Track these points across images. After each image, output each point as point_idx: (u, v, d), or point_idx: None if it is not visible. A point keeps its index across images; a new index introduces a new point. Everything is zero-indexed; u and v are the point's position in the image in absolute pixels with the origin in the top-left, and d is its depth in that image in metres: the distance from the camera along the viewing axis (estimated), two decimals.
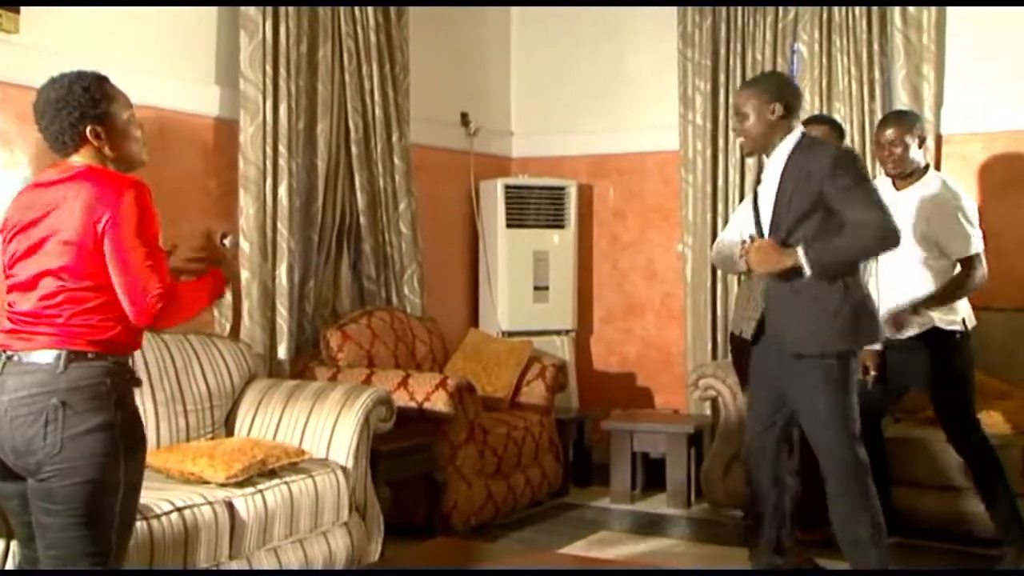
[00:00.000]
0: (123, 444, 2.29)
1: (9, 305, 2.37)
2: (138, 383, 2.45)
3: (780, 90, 3.25)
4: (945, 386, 3.86)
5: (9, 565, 2.63)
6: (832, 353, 3.18)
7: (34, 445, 2.22)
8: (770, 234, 3.25)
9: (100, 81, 2.39)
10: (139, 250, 2.27)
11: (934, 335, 3.84)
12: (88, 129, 2.34)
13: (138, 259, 2.27)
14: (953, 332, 3.81)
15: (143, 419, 2.47)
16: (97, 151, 2.37)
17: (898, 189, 3.93)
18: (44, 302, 2.29)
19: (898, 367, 3.95)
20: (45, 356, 2.26)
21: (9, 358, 2.28)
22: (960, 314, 3.83)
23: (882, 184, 4.06)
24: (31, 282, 2.31)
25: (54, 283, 2.28)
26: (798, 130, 3.26)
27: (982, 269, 3.78)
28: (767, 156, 3.30)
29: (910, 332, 3.80)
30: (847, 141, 4.93)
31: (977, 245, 3.78)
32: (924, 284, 3.82)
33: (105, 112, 2.37)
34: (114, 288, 2.29)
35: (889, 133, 3.85)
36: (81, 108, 2.33)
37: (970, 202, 3.84)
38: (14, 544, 2.59)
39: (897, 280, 3.89)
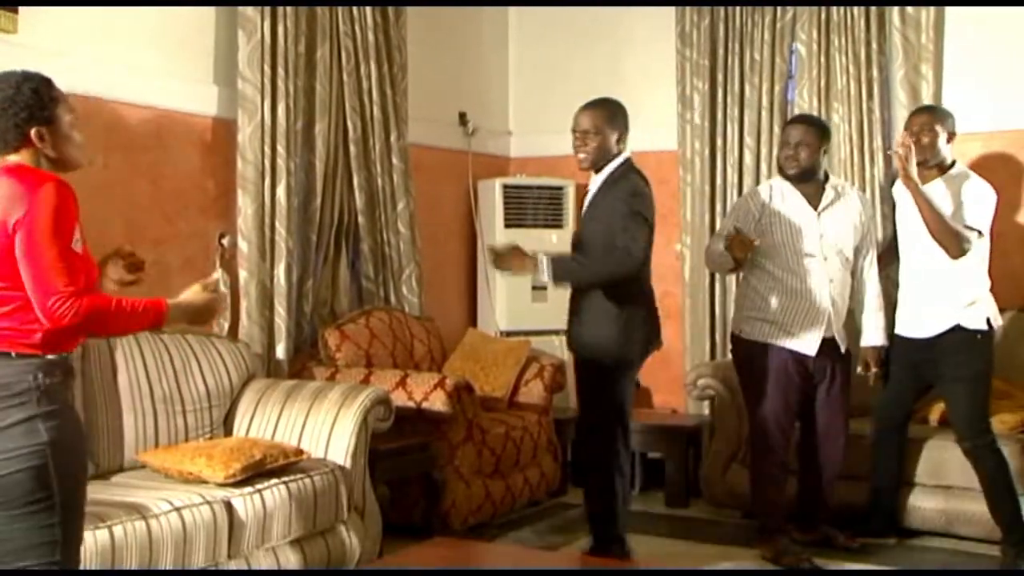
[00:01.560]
0: (49, 436, 2.28)
1: None
2: (71, 377, 2.42)
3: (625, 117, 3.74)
4: (961, 385, 3.85)
5: None
6: (600, 352, 3.63)
7: None
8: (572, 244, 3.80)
9: (48, 83, 2.39)
10: (50, 250, 2.24)
11: (956, 333, 3.83)
12: (33, 130, 2.33)
13: (47, 259, 2.24)
14: (976, 331, 3.80)
15: (144, 419, 2.46)
16: (36, 152, 2.36)
17: (922, 182, 3.91)
18: None
19: (921, 366, 3.95)
20: None
21: None
22: (984, 313, 3.83)
23: (899, 185, 4.05)
24: None
25: None
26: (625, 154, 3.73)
27: (970, 242, 3.77)
28: (595, 173, 3.76)
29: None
30: (845, 140, 4.95)
31: (980, 223, 3.79)
32: (950, 278, 3.81)
33: (52, 115, 2.36)
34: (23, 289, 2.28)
35: (921, 119, 3.91)
36: (29, 109, 2.32)
37: (992, 192, 3.84)
38: None
39: (921, 275, 3.89)
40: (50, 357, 2.33)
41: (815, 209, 3.97)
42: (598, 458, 3.75)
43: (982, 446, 3.84)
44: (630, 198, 3.60)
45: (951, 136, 3.91)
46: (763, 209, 3.98)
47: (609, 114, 3.71)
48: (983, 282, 3.90)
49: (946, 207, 3.80)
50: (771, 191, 4.04)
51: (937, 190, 3.86)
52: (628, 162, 3.76)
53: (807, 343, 3.93)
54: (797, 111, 5.09)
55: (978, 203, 3.81)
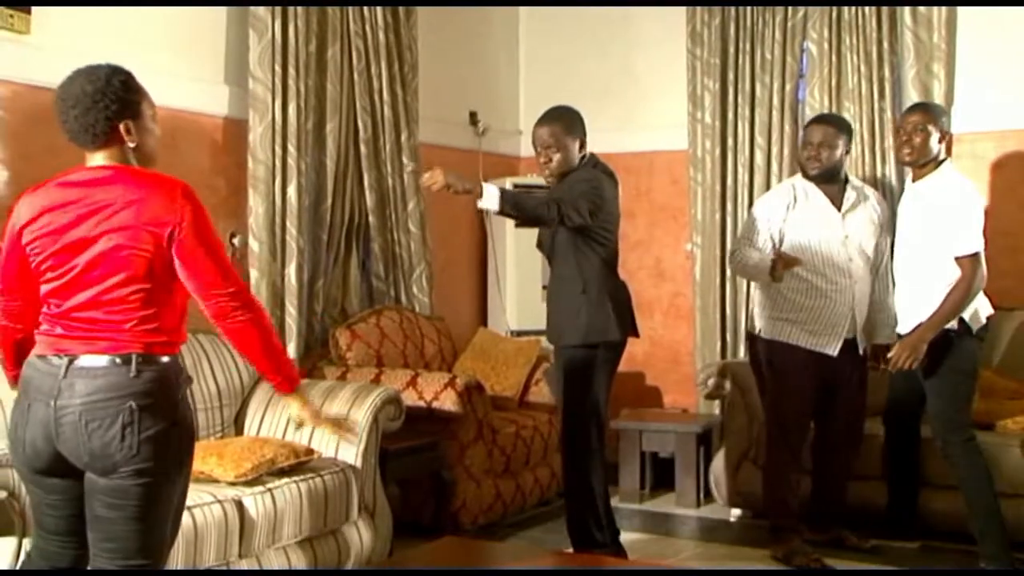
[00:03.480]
0: (184, 444, 2.35)
1: (52, 305, 2.34)
2: (190, 381, 2.47)
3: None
4: (933, 382, 3.83)
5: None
6: (570, 345, 3.66)
7: (111, 448, 2.24)
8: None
9: (133, 77, 2.40)
10: (210, 253, 2.32)
11: None
12: (122, 124, 2.34)
13: (220, 257, 2.34)
14: (947, 330, 3.78)
15: None
16: (122, 147, 2.36)
17: (914, 180, 3.92)
18: (103, 307, 2.28)
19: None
20: (114, 360, 2.27)
21: (71, 361, 2.27)
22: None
23: (906, 187, 4.04)
24: (73, 285, 2.30)
25: (113, 287, 2.28)
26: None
27: (981, 269, 3.73)
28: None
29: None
30: (856, 140, 4.93)
31: (975, 245, 3.73)
32: (937, 276, 3.79)
33: (140, 108, 2.38)
34: (169, 291, 2.32)
35: (913, 119, 3.87)
36: (120, 102, 2.33)
37: (977, 201, 3.80)
38: (26, 542, 2.60)
39: (911, 272, 3.87)
40: (176, 358, 2.36)
41: (839, 210, 3.96)
42: (573, 458, 3.75)
43: (954, 443, 3.80)
44: (575, 181, 3.63)
45: (944, 135, 3.86)
46: (788, 210, 3.95)
47: (566, 124, 3.70)
48: (950, 286, 3.78)
49: (935, 206, 3.78)
50: (794, 191, 3.99)
51: (927, 188, 3.84)
52: (588, 158, 3.75)
53: (830, 344, 3.91)
54: (808, 110, 5.08)
55: (967, 227, 3.73)
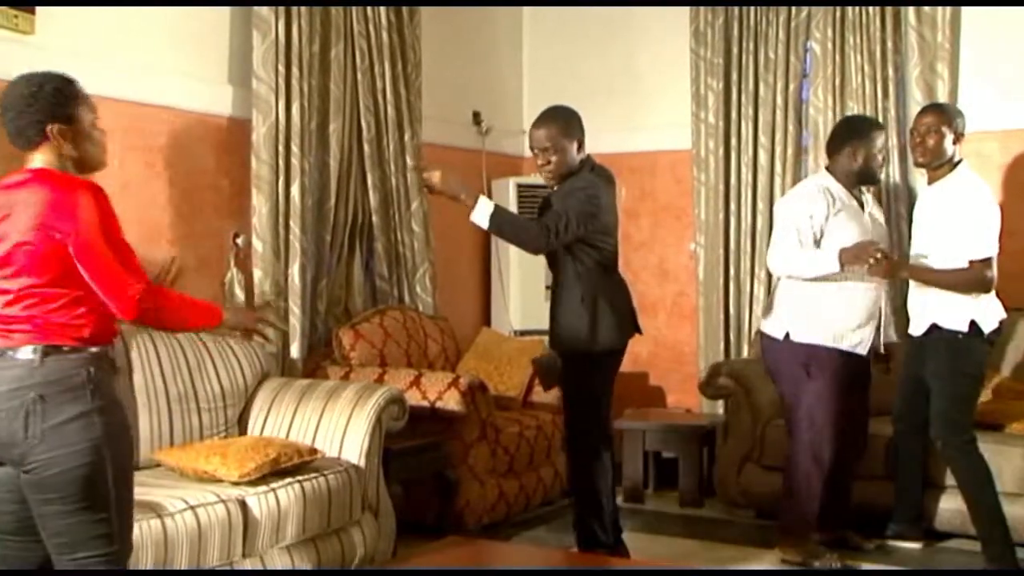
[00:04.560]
0: (104, 430, 2.35)
1: None
2: (116, 371, 2.49)
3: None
4: (937, 383, 3.82)
5: None
6: (572, 351, 3.68)
7: (16, 437, 2.30)
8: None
9: (69, 82, 2.45)
10: (108, 254, 2.34)
11: (934, 332, 3.81)
12: (52, 128, 2.39)
13: (109, 263, 2.34)
14: (955, 332, 3.77)
15: (159, 418, 2.51)
16: (57, 150, 2.42)
17: (929, 183, 3.90)
18: (19, 303, 2.35)
19: (919, 364, 3.93)
20: (23, 352, 2.34)
21: None
22: (967, 315, 3.77)
23: (920, 190, 4.01)
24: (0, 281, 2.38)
25: (21, 284, 2.35)
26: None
27: (991, 272, 3.73)
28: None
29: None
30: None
31: (988, 250, 3.73)
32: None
33: (71, 114, 2.42)
34: (82, 283, 2.36)
35: (927, 120, 3.84)
36: (49, 107, 2.39)
37: (993, 205, 3.78)
38: None
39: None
40: (96, 350, 2.40)
41: (862, 210, 3.96)
42: (577, 459, 3.75)
43: (954, 446, 3.80)
44: (570, 191, 3.62)
45: (958, 137, 3.83)
46: (829, 210, 3.85)
47: (563, 126, 3.67)
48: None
49: (950, 209, 3.77)
50: (827, 192, 3.88)
51: (942, 191, 3.82)
52: (585, 160, 3.74)
53: (863, 344, 3.90)
54: (812, 110, 5.08)
55: (984, 229, 3.72)
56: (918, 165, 3.97)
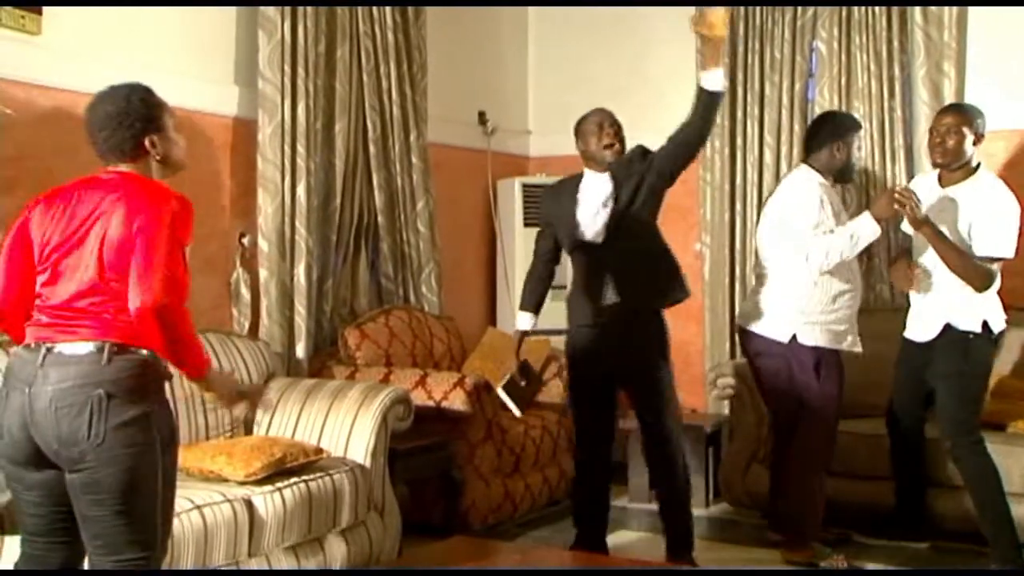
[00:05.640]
0: (159, 435, 2.37)
1: (42, 298, 2.42)
2: (169, 376, 2.50)
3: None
4: (946, 383, 3.81)
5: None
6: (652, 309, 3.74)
7: (78, 435, 2.29)
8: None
9: (151, 92, 2.51)
10: (162, 248, 2.33)
11: (947, 333, 3.80)
12: (147, 140, 2.46)
13: (159, 256, 2.32)
14: (967, 332, 3.76)
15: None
16: (148, 158, 2.48)
17: (943, 185, 3.85)
18: (88, 298, 2.36)
19: (922, 369, 3.92)
20: (87, 348, 2.33)
21: (49, 350, 2.34)
22: (980, 315, 3.77)
23: (923, 182, 4.00)
24: (71, 276, 2.38)
25: (98, 280, 2.35)
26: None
27: (996, 270, 3.72)
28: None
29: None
30: (866, 139, 4.91)
31: (1003, 251, 3.71)
32: (944, 282, 3.77)
33: (162, 123, 2.49)
34: None
35: (947, 120, 3.79)
36: (143, 120, 2.45)
37: (1015, 206, 3.74)
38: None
39: (935, 279, 3.84)
40: (154, 353, 2.40)
41: (846, 211, 3.97)
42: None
43: (963, 446, 3.79)
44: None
45: (978, 138, 3.79)
46: (831, 197, 3.90)
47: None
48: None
49: (968, 213, 3.74)
50: (823, 189, 3.89)
51: (961, 194, 3.79)
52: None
53: (855, 344, 3.94)
54: (818, 109, 5.06)
55: (1004, 227, 3.69)
56: (936, 166, 3.88)
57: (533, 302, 3.93)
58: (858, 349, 3.94)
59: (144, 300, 2.30)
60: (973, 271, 3.70)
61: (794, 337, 3.87)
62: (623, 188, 3.68)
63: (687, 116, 3.64)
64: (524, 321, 3.94)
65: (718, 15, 3.50)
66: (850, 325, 3.91)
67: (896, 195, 3.69)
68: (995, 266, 3.73)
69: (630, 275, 3.67)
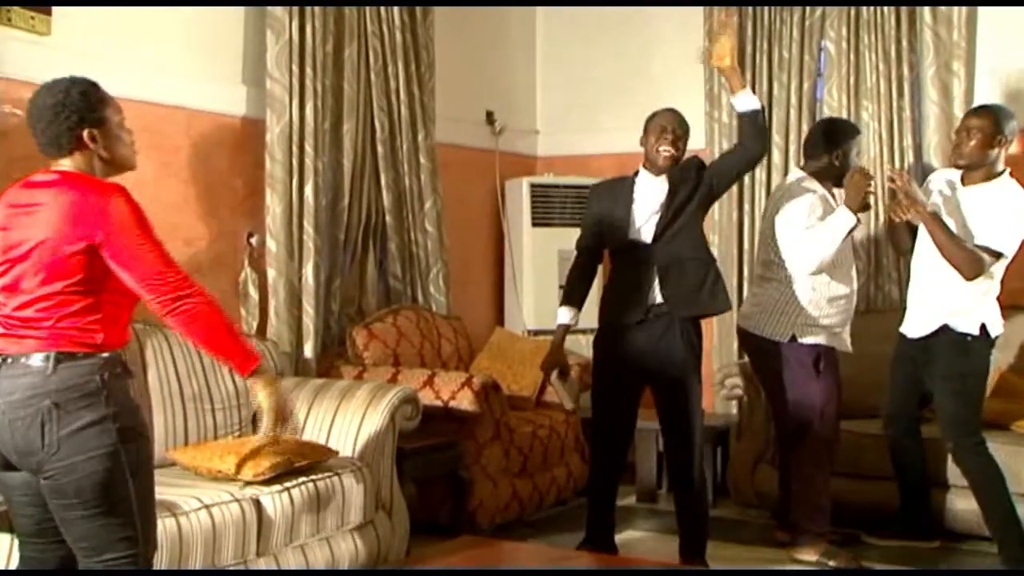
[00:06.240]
0: (119, 435, 2.34)
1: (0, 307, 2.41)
2: (130, 375, 2.47)
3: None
4: (945, 384, 3.81)
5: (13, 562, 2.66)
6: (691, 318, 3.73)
7: (33, 446, 2.30)
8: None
9: (95, 86, 2.46)
10: (146, 246, 2.35)
11: (944, 334, 3.79)
12: (85, 132, 2.41)
13: (153, 255, 2.35)
14: (965, 334, 3.76)
15: (173, 417, 2.51)
16: (90, 155, 2.43)
17: (964, 184, 3.83)
18: (32, 306, 2.35)
19: (918, 366, 3.92)
20: (35, 359, 2.32)
21: (4, 360, 2.34)
22: (978, 318, 3.76)
23: (943, 176, 3.97)
24: (14, 285, 2.37)
25: (38, 287, 2.34)
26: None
27: (990, 261, 3.68)
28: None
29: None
30: (875, 139, 4.91)
31: (1000, 246, 3.68)
32: (943, 282, 3.76)
33: (101, 116, 2.43)
34: (99, 290, 2.35)
35: (972, 122, 3.77)
36: (79, 112, 2.40)
37: (1019, 219, 3.70)
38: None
39: (939, 277, 3.82)
40: (108, 355, 2.38)
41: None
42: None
43: (965, 447, 3.79)
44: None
45: (1005, 142, 3.74)
46: (825, 201, 3.91)
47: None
48: (981, 290, 3.76)
49: (980, 216, 3.73)
50: (814, 195, 3.91)
51: (979, 195, 3.77)
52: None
53: (849, 343, 3.99)
54: (826, 109, 5.06)
55: (1007, 223, 3.68)
56: (956, 167, 3.87)
57: (577, 298, 3.88)
58: (849, 349, 3.98)
59: (158, 310, 2.35)
60: (964, 256, 3.66)
61: (793, 337, 3.90)
62: (679, 193, 3.70)
63: (738, 139, 3.74)
64: (566, 316, 3.87)
65: (723, 47, 3.60)
66: (846, 325, 3.94)
67: (888, 177, 3.71)
68: (990, 260, 3.69)
69: (677, 279, 3.67)
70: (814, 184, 3.95)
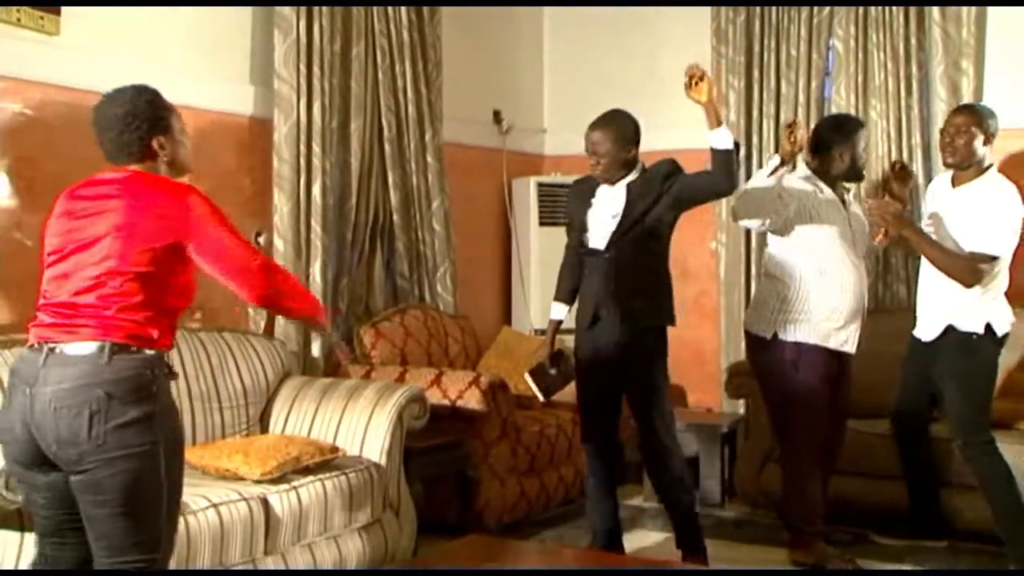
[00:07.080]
0: (162, 435, 2.36)
1: (46, 296, 2.43)
2: (174, 376, 2.51)
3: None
4: (953, 384, 3.79)
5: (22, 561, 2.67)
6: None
7: (79, 436, 2.28)
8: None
9: (158, 94, 2.53)
10: (226, 236, 2.43)
11: (950, 334, 3.78)
12: (155, 141, 2.47)
13: (229, 243, 2.43)
14: (970, 333, 3.75)
15: (181, 416, 2.53)
16: (156, 159, 2.50)
17: (954, 185, 3.84)
18: (94, 291, 2.35)
19: (928, 367, 3.91)
20: (88, 347, 2.32)
21: (51, 350, 2.34)
22: (983, 317, 3.75)
23: (938, 183, 4.00)
24: (71, 272, 2.39)
25: (103, 275, 2.35)
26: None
27: (985, 268, 3.65)
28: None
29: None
30: (883, 137, 4.89)
31: (992, 248, 3.66)
32: (946, 283, 3.74)
33: (168, 124, 2.51)
34: (162, 288, 2.38)
35: (957, 120, 3.79)
36: (149, 121, 2.47)
37: (1015, 208, 3.70)
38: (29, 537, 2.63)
39: (927, 278, 3.82)
40: (158, 353, 2.41)
41: (844, 208, 3.94)
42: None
43: (974, 447, 3.77)
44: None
45: (989, 138, 3.77)
46: (813, 196, 3.86)
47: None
48: (984, 289, 3.73)
49: (971, 218, 3.72)
50: (812, 181, 3.89)
51: (970, 194, 3.77)
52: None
53: (849, 343, 3.90)
54: (834, 108, 5.05)
55: (995, 225, 3.67)
56: (947, 166, 3.89)
57: (566, 293, 3.90)
58: (848, 349, 3.89)
59: (251, 297, 2.44)
60: (959, 266, 3.67)
61: (776, 334, 3.89)
62: (637, 205, 3.69)
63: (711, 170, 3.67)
64: (558, 311, 3.92)
65: (701, 87, 3.70)
66: (843, 324, 3.85)
67: (867, 209, 3.77)
68: (987, 265, 3.67)
69: (621, 288, 3.69)
70: (803, 173, 3.93)
